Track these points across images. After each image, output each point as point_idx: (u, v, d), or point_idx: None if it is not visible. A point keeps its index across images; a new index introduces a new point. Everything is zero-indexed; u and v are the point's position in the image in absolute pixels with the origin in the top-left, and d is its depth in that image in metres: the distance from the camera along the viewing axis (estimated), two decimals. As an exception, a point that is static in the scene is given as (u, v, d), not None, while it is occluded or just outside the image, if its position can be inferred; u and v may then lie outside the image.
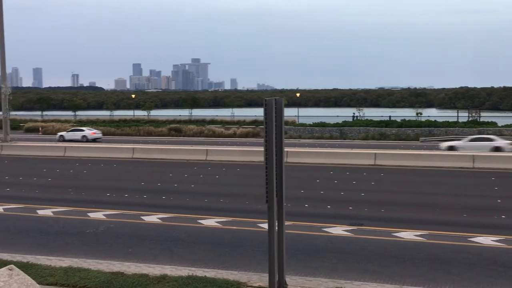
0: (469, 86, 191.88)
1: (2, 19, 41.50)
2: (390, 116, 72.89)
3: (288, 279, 10.23)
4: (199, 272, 11.20)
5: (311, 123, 65.75)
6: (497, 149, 37.38)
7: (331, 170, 29.03)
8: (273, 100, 8.95)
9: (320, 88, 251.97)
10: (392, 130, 59.58)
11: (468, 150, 35.58)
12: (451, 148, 38.89)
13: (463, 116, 78.11)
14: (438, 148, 40.14)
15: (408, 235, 14.98)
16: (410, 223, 16.34)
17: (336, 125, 63.72)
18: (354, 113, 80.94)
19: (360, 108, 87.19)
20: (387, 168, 30.02)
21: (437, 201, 20.08)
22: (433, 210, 18.55)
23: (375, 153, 32.01)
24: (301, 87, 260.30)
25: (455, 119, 73.12)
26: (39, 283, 7.20)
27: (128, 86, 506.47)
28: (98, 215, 17.90)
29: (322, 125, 63.88)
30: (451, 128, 60.07)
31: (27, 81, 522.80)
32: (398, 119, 67.97)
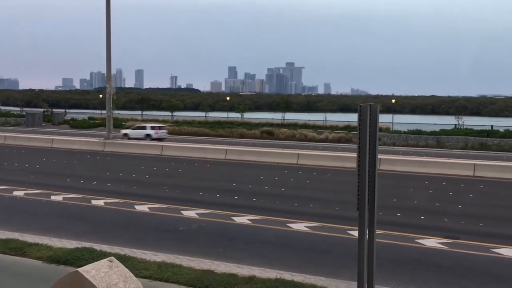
0: None
1: (110, 22, 43.97)
2: (492, 126, 69.22)
3: (377, 289, 10.00)
4: (287, 275, 11.23)
5: (406, 130, 63.87)
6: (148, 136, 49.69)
7: (426, 180, 28.05)
8: (367, 106, 8.82)
9: (416, 95, 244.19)
10: (494, 140, 56.49)
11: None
12: (125, 135, 50.36)
13: None
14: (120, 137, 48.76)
15: (509, 252, 14.14)
16: (511, 240, 15.42)
17: (432, 133, 61.43)
18: (457, 122, 77.29)
19: (460, 116, 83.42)
20: (487, 180, 28.52)
21: (542, 217, 18.80)
22: (538, 227, 17.38)
23: (475, 164, 30.53)
24: (397, 93, 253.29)
25: None
26: (135, 275, 7.56)
27: (223, 88, 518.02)
28: (190, 213, 18.47)
29: (418, 132, 61.85)
30: (561, 140, 55.87)
31: (129, 82, 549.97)
32: (501, 129, 64.29)
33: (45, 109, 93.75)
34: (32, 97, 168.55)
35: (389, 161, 32.27)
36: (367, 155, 8.79)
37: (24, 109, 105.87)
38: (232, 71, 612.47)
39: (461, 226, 17.35)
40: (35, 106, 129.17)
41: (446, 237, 15.58)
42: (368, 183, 8.82)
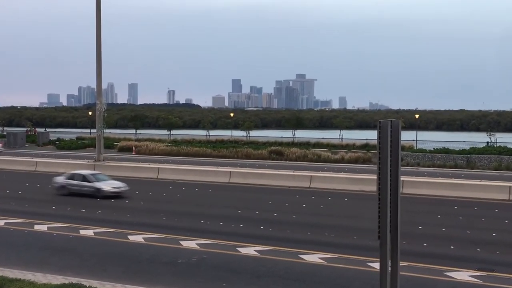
0: None
1: (100, 32, 44.44)
2: (529, 143, 68.94)
3: (402, 329, 9.90)
4: (300, 314, 11.15)
5: (432, 149, 63.72)
6: None
7: (455, 205, 27.91)
8: (388, 122, 8.82)
9: (443, 109, 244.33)
10: (532, 159, 56.16)
11: None
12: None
13: None
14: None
15: (550, 286, 13.99)
16: (553, 272, 15.27)
17: (462, 152, 61.24)
18: (490, 139, 77.09)
19: (492, 133, 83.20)
20: (525, 204, 28.32)
21: None
22: None
23: (510, 186, 30.34)
24: (421, 107, 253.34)
25: None
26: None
27: (226, 103, 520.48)
28: (191, 243, 18.42)
29: (445, 151, 61.69)
30: None
31: (122, 97, 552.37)
32: (539, 147, 64.00)
33: (28, 128, 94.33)
34: (14, 115, 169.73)
35: (413, 183, 32.12)
36: (388, 177, 8.76)
37: (5, 128, 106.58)
38: (236, 84, 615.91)
39: (496, 256, 17.19)
40: (17, 125, 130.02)
41: (479, 270, 15.45)
42: (390, 209, 8.78)
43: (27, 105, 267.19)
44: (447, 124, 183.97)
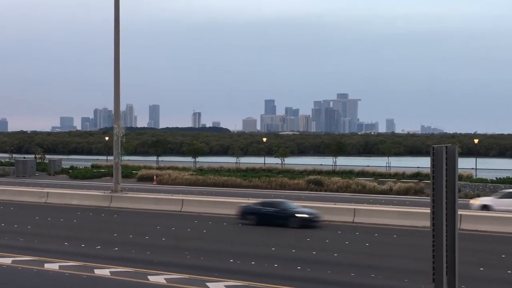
0: None
1: (119, 48, 45.26)
2: None
3: None
4: None
5: (494, 179, 62.90)
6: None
7: (522, 242, 27.42)
8: (443, 148, 8.77)
9: (506, 133, 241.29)
10: None
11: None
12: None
13: None
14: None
15: None
16: None
17: (529, 181, 60.30)
18: None
19: None
20: None
21: None
22: None
23: None
24: (480, 131, 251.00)
25: None
26: None
27: (258, 127, 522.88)
28: (218, 285, 18.39)
29: (510, 181, 60.82)
30: None
31: (142, 121, 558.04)
32: None
33: (40, 155, 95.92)
34: (24, 141, 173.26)
35: (473, 218, 31.66)
36: (443, 210, 8.68)
37: (14, 155, 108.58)
38: (270, 105, 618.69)
39: None
40: (26, 152, 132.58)
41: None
42: (446, 247, 8.68)
43: (37, 130, 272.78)
44: (511, 150, 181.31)
